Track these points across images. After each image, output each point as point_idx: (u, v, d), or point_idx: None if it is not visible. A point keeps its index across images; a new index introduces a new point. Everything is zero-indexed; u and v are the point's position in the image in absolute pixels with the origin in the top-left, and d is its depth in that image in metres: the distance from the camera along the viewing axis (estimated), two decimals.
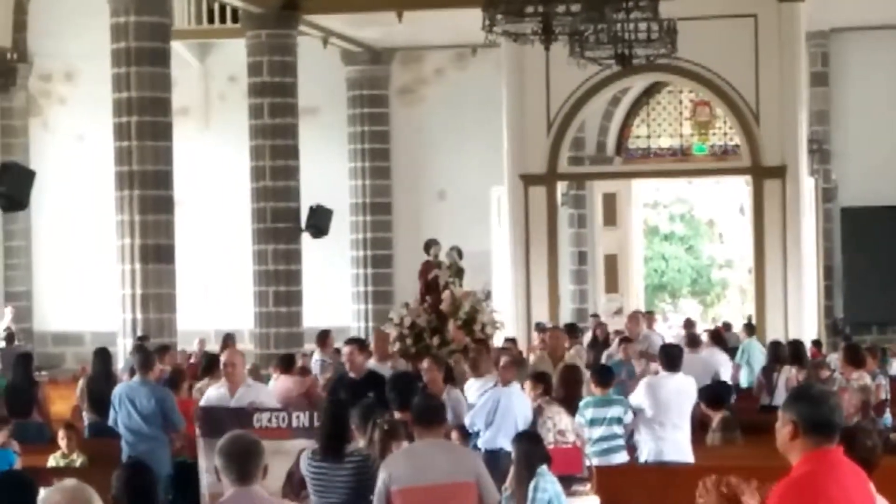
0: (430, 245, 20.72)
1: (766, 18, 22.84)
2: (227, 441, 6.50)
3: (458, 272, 20.57)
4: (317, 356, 19.30)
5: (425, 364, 13.13)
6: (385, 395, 11.52)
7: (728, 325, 25.22)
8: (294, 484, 9.45)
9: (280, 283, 23.95)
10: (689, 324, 23.04)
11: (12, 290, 28.95)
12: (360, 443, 9.37)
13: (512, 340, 19.89)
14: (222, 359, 12.81)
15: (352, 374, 13.07)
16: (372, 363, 14.37)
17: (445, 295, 18.90)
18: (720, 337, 20.16)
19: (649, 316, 24.21)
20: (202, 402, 12.52)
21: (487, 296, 19.44)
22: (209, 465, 10.03)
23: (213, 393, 12.62)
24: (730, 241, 41.83)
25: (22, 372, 16.58)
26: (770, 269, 23.16)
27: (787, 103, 23.07)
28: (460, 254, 21.14)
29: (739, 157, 25.04)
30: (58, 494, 4.72)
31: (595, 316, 25.57)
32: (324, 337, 19.74)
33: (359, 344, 13.66)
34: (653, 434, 12.59)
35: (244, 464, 6.36)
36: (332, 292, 27.50)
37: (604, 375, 12.97)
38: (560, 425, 11.71)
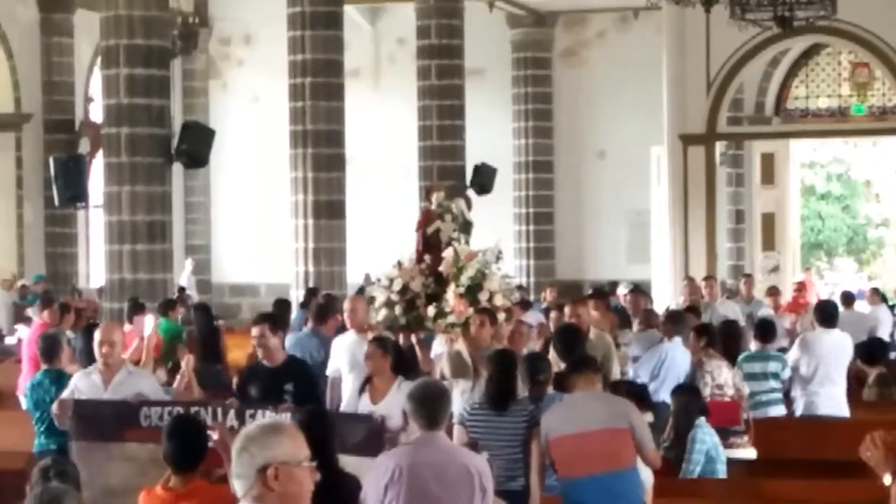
0: (432, 190, 16.55)
1: None
2: (417, 387, 7.00)
3: (466, 226, 16.20)
4: None
5: (368, 349, 10.20)
6: (307, 388, 9.83)
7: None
8: None
9: None
10: (773, 291, 20.21)
11: (193, 244, 29.66)
12: (524, 392, 9.45)
13: (527, 302, 17.79)
14: (96, 336, 10.00)
15: (265, 363, 10.18)
16: (350, 335, 12.10)
17: (447, 254, 14.87)
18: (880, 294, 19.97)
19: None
20: (66, 394, 9.87)
21: (498, 257, 15.12)
22: (89, 475, 8.37)
23: (81, 382, 9.96)
24: (887, 200, 41.47)
25: (204, 320, 16.91)
26: None
27: None
28: (469, 203, 17.11)
29: None
30: (258, 430, 4.67)
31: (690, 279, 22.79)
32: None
33: (271, 322, 10.31)
34: (808, 389, 12.63)
35: (433, 410, 6.85)
36: None
37: (765, 331, 12.99)
38: (719, 379, 11.58)
